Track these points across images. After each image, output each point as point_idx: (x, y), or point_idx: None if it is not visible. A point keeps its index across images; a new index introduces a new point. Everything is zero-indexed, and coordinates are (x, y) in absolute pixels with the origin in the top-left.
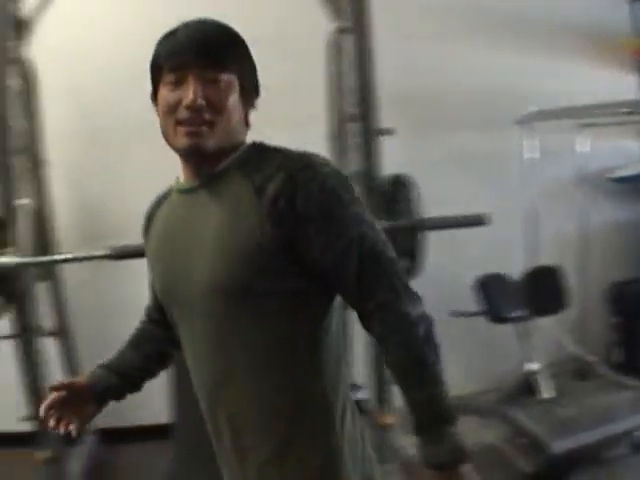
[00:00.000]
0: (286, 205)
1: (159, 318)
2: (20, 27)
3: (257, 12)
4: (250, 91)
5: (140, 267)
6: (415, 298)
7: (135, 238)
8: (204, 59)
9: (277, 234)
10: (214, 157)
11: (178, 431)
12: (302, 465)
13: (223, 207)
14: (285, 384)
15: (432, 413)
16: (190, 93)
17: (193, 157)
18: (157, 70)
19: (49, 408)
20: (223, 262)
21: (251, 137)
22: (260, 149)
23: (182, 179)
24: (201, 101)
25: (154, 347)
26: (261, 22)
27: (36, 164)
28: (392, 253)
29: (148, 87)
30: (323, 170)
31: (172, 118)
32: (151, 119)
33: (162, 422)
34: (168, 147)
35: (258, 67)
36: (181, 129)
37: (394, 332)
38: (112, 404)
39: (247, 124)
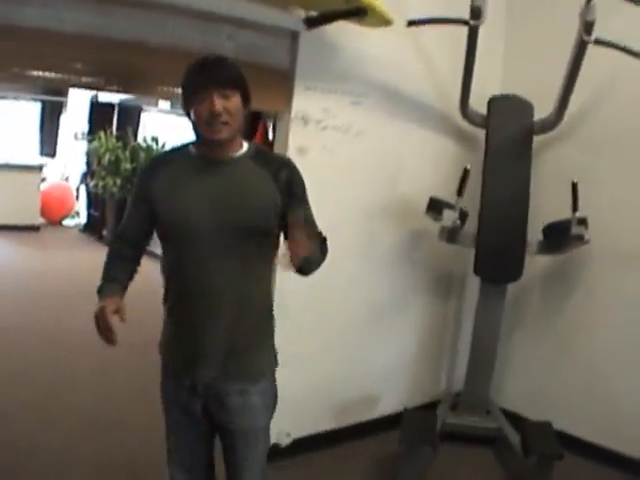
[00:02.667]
0: (288, 186)
1: (134, 240)
2: None
3: None
4: (247, 101)
5: None
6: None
7: None
8: (222, 84)
9: (283, 201)
10: (228, 142)
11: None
12: (270, 351)
13: (246, 179)
14: (267, 289)
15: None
16: (216, 105)
17: (216, 143)
18: (190, 92)
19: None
20: (254, 212)
21: None
22: (260, 149)
23: (195, 151)
24: (221, 109)
25: (134, 257)
26: None
27: None
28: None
29: None
30: (298, 171)
31: (203, 120)
32: None
33: None
34: None
35: None
36: (210, 128)
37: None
38: None
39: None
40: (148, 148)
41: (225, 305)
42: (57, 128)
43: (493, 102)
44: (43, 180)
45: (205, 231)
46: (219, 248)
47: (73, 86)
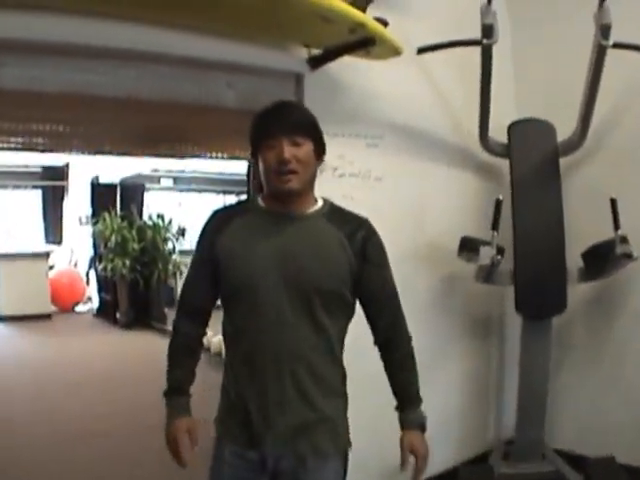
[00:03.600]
0: (363, 248)
1: (200, 309)
2: None
3: None
4: (320, 152)
5: None
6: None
7: None
8: (292, 131)
9: (357, 264)
10: (299, 195)
11: None
12: (343, 429)
13: (318, 238)
14: (337, 361)
15: (416, 393)
16: (284, 152)
17: (285, 194)
18: (257, 138)
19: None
20: (327, 274)
21: None
22: (335, 207)
23: (263, 204)
24: (290, 157)
25: (198, 350)
26: None
27: None
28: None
29: None
30: (377, 232)
31: (271, 169)
32: None
33: None
34: None
35: None
36: (279, 177)
37: (401, 339)
38: None
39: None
40: (155, 226)
41: (295, 373)
42: (60, 214)
43: (513, 128)
44: (51, 268)
45: (273, 292)
46: (288, 312)
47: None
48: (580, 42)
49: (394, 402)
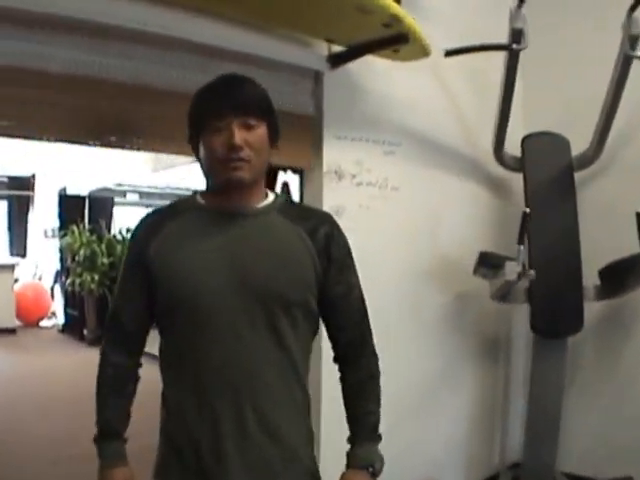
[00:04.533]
0: (327, 246)
1: (132, 330)
2: None
3: None
4: (274, 137)
5: None
6: (372, 336)
7: None
8: (244, 111)
9: (321, 265)
10: (249, 188)
11: None
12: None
13: (275, 238)
14: (302, 382)
15: (372, 426)
16: (234, 136)
17: (234, 187)
18: (199, 118)
19: None
20: (289, 278)
21: None
22: (290, 201)
23: (203, 201)
24: (242, 142)
25: (133, 385)
26: None
27: None
28: None
29: None
30: (341, 229)
31: (217, 157)
32: None
33: None
34: None
35: None
36: (226, 165)
37: (364, 358)
38: None
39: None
40: (124, 240)
41: (254, 398)
42: (25, 226)
43: (527, 142)
44: (16, 281)
45: (221, 303)
46: (242, 326)
47: (49, 139)
48: (596, 52)
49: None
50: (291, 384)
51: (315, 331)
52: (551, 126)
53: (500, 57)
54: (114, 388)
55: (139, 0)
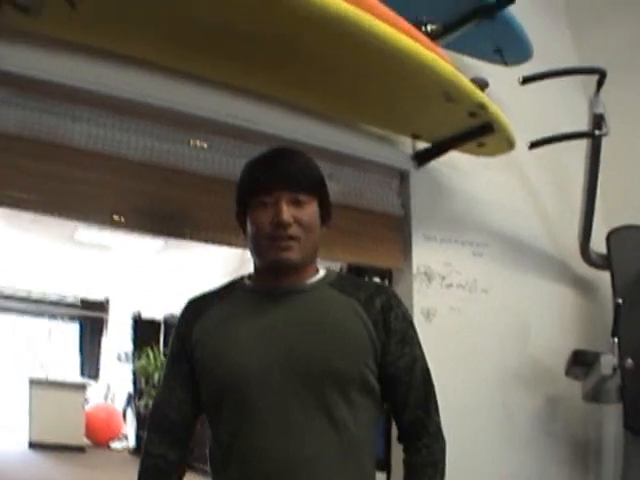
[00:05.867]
0: (384, 318)
1: (177, 424)
2: None
3: None
4: (326, 216)
5: None
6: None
7: None
8: (294, 186)
9: (378, 338)
10: (299, 268)
11: None
12: None
13: (324, 311)
14: (365, 471)
15: None
16: (282, 213)
17: (282, 267)
18: (246, 193)
19: None
20: (342, 353)
21: None
22: (344, 275)
23: (250, 281)
24: (290, 219)
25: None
26: None
27: None
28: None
29: None
30: (400, 299)
31: (263, 234)
32: None
33: None
34: None
35: None
36: (273, 244)
37: (427, 439)
38: None
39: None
40: None
41: None
42: (98, 349)
43: (613, 236)
44: (86, 401)
45: (268, 387)
46: (294, 409)
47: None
48: None
49: None
50: (351, 471)
51: (378, 410)
52: (635, 219)
53: (580, 150)
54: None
55: (227, 92)
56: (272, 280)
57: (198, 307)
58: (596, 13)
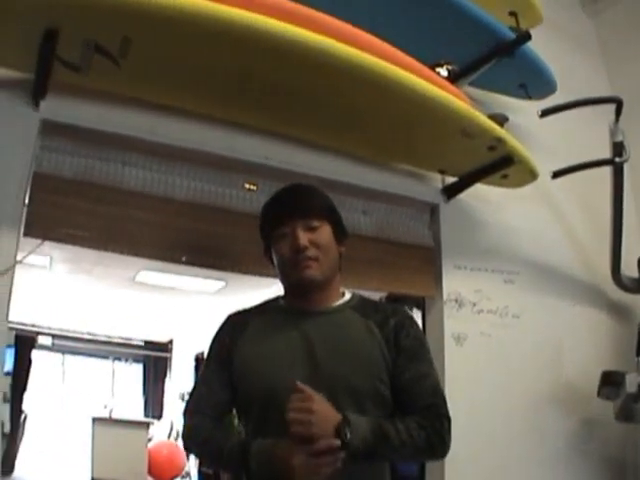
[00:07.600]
0: (396, 336)
1: (220, 411)
2: None
3: None
4: (341, 234)
5: None
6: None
7: None
8: (306, 214)
9: (390, 354)
10: (321, 286)
11: None
12: None
13: (344, 333)
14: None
15: (386, 428)
16: (299, 238)
17: (307, 286)
18: (268, 229)
19: None
20: (357, 371)
21: None
22: (367, 299)
23: (283, 302)
24: (306, 243)
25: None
26: None
27: None
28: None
29: None
30: (414, 321)
31: (286, 260)
32: None
33: None
34: None
35: None
36: (296, 266)
37: (428, 411)
38: None
39: (340, 256)
40: None
41: None
42: (162, 389)
43: None
44: (149, 440)
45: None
46: None
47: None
48: None
49: None
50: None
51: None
52: None
53: (607, 176)
54: (212, 425)
55: (260, 136)
56: (301, 301)
57: (240, 321)
58: (624, 44)
